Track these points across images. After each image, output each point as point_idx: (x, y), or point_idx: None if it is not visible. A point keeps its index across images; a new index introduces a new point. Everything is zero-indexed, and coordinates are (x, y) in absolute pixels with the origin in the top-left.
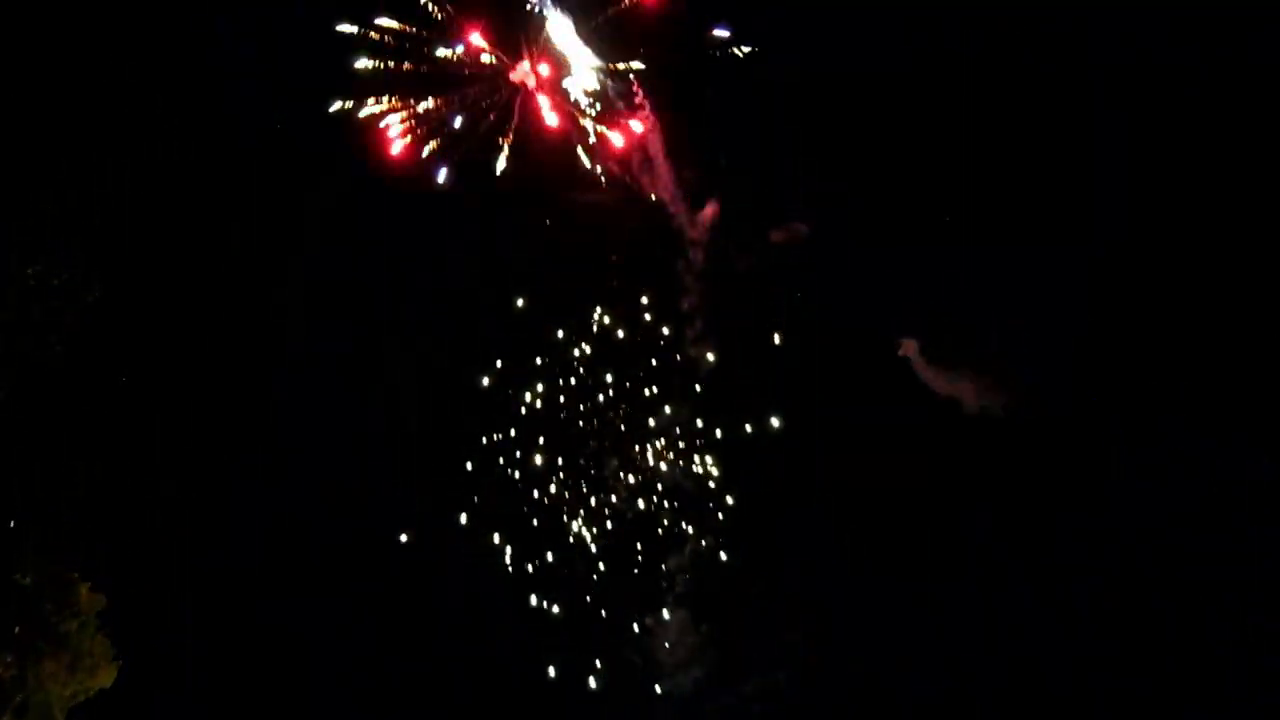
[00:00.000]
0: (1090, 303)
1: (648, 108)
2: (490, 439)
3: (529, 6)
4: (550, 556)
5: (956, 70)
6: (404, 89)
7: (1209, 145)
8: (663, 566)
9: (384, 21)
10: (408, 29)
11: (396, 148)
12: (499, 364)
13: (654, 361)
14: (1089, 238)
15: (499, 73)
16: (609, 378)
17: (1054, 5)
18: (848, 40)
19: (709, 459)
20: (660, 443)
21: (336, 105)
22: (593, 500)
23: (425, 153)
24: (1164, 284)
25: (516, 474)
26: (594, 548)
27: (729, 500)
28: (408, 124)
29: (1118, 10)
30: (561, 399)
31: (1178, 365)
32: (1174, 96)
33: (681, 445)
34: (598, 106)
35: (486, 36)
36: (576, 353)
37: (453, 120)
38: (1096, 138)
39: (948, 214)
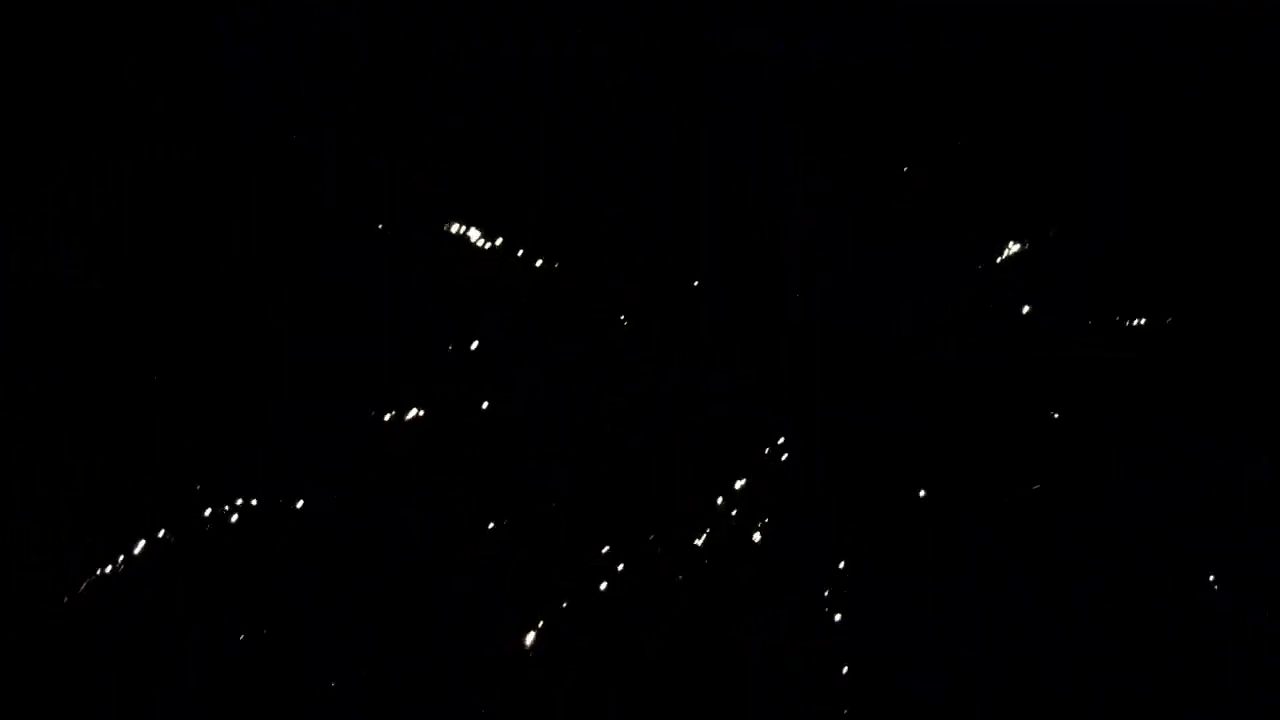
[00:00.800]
0: (1089, 302)
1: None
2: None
3: None
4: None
5: (956, 70)
6: None
7: (1209, 145)
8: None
9: None
10: None
11: None
12: (501, 368)
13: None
14: (1089, 238)
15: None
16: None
17: (1054, 5)
18: (846, 41)
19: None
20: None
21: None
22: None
23: None
24: (1164, 284)
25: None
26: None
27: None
28: None
29: (1118, 10)
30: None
31: (1177, 365)
32: (1174, 96)
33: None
34: None
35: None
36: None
37: None
38: (1096, 138)
39: (946, 213)
